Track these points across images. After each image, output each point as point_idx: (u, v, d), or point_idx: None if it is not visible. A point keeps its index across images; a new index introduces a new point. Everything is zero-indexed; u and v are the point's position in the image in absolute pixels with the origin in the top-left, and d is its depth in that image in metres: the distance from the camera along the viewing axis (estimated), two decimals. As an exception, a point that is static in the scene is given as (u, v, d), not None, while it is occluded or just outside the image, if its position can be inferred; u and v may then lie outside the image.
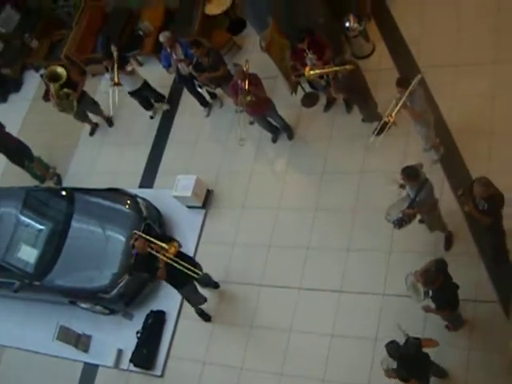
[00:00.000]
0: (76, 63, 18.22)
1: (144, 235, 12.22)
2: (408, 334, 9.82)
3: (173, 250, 11.82)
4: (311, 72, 12.90)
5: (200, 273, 12.36)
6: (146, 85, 16.29)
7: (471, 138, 12.78)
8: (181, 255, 12.22)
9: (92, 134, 17.74)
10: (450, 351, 11.07)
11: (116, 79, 15.16)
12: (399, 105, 11.48)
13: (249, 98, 13.31)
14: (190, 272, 11.99)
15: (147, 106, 16.91)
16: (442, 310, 10.24)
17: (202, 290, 13.29)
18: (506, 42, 13.50)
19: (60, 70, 16.03)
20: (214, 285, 13.67)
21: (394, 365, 9.71)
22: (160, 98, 16.83)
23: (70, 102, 16.20)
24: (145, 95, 16.57)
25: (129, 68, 15.66)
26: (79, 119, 17.27)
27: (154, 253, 11.85)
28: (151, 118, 17.02)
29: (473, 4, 14.30)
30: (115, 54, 15.21)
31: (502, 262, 11.33)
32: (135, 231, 12.62)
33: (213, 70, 14.42)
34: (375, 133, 12.36)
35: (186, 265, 11.95)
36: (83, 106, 16.80)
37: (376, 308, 12.19)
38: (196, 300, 13.25)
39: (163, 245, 11.84)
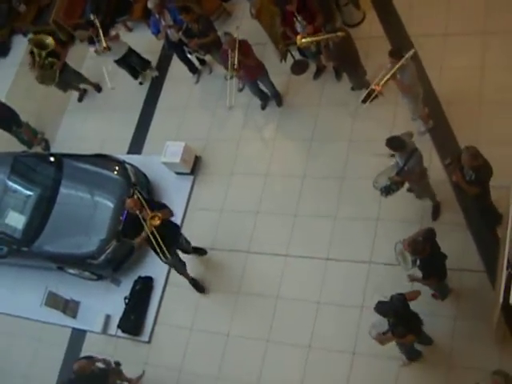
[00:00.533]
0: (64, 28, 18.07)
1: (141, 198, 12.19)
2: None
3: (156, 220, 11.77)
4: (303, 40, 12.84)
5: (168, 256, 12.28)
6: (130, 50, 16.20)
7: (460, 107, 12.79)
8: (167, 225, 12.26)
9: (80, 99, 17.65)
10: (436, 320, 11.15)
11: (104, 44, 15.09)
12: (388, 75, 11.46)
13: (235, 73, 13.35)
14: (160, 252, 12.04)
15: (135, 73, 16.82)
16: (429, 278, 10.29)
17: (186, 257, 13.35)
18: (496, 12, 13.48)
19: (49, 40, 15.93)
20: (201, 251, 13.70)
21: (384, 327, 9.81)
22: (146, 64, 16.72)
23: (53, 71, 16.13)
24: (130, 62, 16.42)
25: (113, 32, 15.65)
26: (61, 89, 17.20)
27: (140, 218, 11.83)
28: (140, 84, 16.93)
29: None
30: (96, 21, 15.15)
31: (495, 222, 11.39)
32: (137, 188, 12.58)
33: (203, 36, 14.35)
34: (361, 100, 12.33)
35: (160, 242, 11.93)
36: (65, 77, 16.68)
37: (363, 276, 12.25)
38: (182, 267, 13.25)
39: (149, 212, 11.80)
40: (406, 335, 9.76)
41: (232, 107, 14.22)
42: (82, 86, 17.50)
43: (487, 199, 10.86)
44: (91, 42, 15.52)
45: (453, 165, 10.74)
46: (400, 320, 9.67)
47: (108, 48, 15.21)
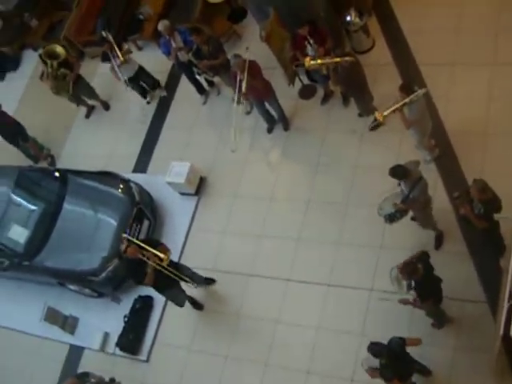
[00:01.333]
0: (74, 45, 18.14)
1: (135, 240, 12.11)
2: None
3: (167, 257, 11.65)
4: (312, 62, 12.85)
5: (194, 284, 12.40)
6: (141, 69, 16.26)
7: (466, 138, 12.78)
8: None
9: (88, 116, 17.69)
10: (435, 350, 11.10)
11: (121, 57, 15.27)
12: (393, 108, 11.39)
13: (244, 98, 13.44)
14: (184, 281, 12.07)
15: (144, 93, 16.86)
16: (425, 300, 10.20)
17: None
18: (505, 45, 13.54)
19: (59, 49, 16.04)
20: (208, 282, 13.54)
21: (376, 364, 9.72)
22: (155, 83, 16.75)
23: (66, 82, 16.17)
24: (140, 81, 16.44)
25: (125, 46, 15.73)
26: (74, 101, 17.28)
27: (145, 259, 11.66)
28: (148, 103, 16.96)
29: (475, 5, 14.29)
30: (110, 37, 15.30)
31: (499, 253, 11.26)
32: (124, 235, 12.49)
33: (212, 58, 14.41)
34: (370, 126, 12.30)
35: (178, 274, 12.00)
36: (78, 89, 16.76)
37: (363, 303, 12.20)
38: (181, 300, 13.13)
39: (157, 253, 11.63)
40: (393, 380, 9.63)
41: (235, 151, 14.09)
42: (90, 102, 17.55)
43: (496, 231, 10.81)
44: (105, 58, 15.60)
45: (461, 198, 10.69)
46: (392, 364, 9.56)
47: (125, 61, 15.38)
